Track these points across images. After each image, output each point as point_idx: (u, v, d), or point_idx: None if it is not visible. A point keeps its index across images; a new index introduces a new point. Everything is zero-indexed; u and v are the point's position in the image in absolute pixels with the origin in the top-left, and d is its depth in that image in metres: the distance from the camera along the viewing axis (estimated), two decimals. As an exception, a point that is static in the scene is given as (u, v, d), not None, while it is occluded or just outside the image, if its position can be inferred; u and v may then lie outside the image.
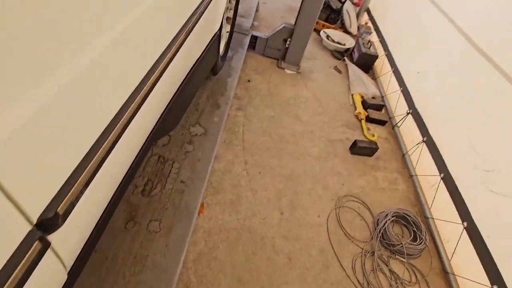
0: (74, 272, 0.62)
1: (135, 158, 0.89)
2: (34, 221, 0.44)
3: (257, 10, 3.27)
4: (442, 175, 1.70)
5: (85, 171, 0.54)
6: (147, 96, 0.74)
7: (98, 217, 0.73)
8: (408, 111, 2.17)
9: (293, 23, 2.47)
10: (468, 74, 1.73)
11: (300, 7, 2.33)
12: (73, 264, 0.61)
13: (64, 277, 0.58)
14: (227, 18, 2.06)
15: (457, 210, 1.52)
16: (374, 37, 3.16)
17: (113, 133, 0.61)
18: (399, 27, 2.71)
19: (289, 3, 3.97)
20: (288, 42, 2.55)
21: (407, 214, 1.69)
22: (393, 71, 2.56)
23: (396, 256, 1.56)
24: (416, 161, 1.98)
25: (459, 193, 1.54)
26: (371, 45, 2.91)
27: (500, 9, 1.62)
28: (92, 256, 1.05)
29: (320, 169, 1.91)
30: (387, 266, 1.52)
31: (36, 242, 0.44)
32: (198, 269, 1.30)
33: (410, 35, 2.48)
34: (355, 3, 3.56)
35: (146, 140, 0.91)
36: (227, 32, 2.11)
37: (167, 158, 1.43)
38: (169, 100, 1.01)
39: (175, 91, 1.05)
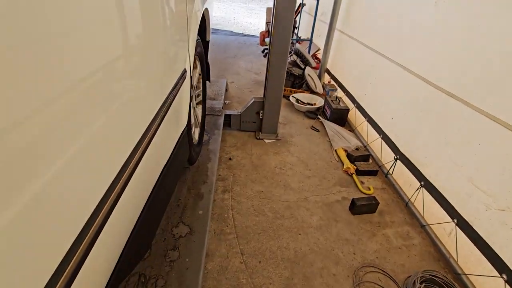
0: None
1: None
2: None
3: (226, 90, 3.46)
4: (455, 220, 1.56)
5: None
6: (104, 226, 0.62)
7: None
8: (396, 157, 2.12)
9: (262, 95, 2.57)
10: (439, 113, 1.75)
11: (266, 79, 2.45)
12: None
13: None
14: (197, 104, 2.10)
15: (489, 260, 1.33)
16: (340, 93, 3.34)
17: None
18: (360, 81, 2.89)
19: (254, 77, 4.28)
20: (261, 114, 2.61)
21: (435, 276, 1.47)
22: (368, 120, 2.61)
23: (443, 334, 1.29)
24: (421, 208, 1.84)
25: (483, 240, 1.38)
26: (339, 100, 3.04)
27: (448, 46, 1.74)
28: None
29: (325, 240, 1.72)
30: None
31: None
32: None
33: (373, 86, 2.62)
34: (314, 67, 3.87)
35: (110, 279, 0.74)
36: (199, 120, 2.13)
37: (148, 276, 1.22)
38: (136, 219, 0.88)
39: (141, 207, 0.92)
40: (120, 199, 0.68)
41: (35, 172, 0.44)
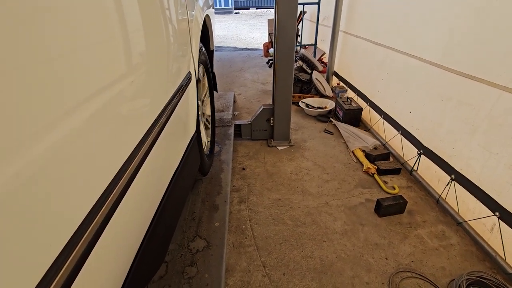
0: None
1: None
2: None
3: (234, 102, 3.44)
4: (497, 213, 1.40)
5: None
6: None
7: None
8: (419, 152, 1.99)
9: (271, 103, 2.52)
10: (462, 100, 1.63)
11: (273, 86, 2.40)
12: None
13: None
14: (204, 115, 2.06)
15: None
16: (350, 93, 3.25)
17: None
18: (370, 78, 2.80)
19: (261, 87, 4.26)
20: (272, 121, 2.55)
21: (482, 277, 1.31)
22: (383, 118, 2.50)
23: None
24: (455, 203, 1.69)
25: (534, 232, 1.22)
26: (351, 101, 2.95)
27: (463, 22, 1.65)
28: None
29: (353, 246, 1.59)
30: None
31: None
32: None
33: (385, 82, 2.52)
34: (321, 71, 3.81)
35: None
36: (209, 128, 2.09)
37: (166, 296, 1.13)
38: (145, 231, 0.81)
39: (151, 217, 0.85)
40: (121, 207, 0.61)
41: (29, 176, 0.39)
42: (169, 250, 1.33)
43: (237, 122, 2.66)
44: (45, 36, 0.44)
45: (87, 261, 0.50)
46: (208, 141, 1.99)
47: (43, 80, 0.43)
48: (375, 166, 2.18)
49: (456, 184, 1.67)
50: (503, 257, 1.38)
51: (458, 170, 1.66)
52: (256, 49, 7.32)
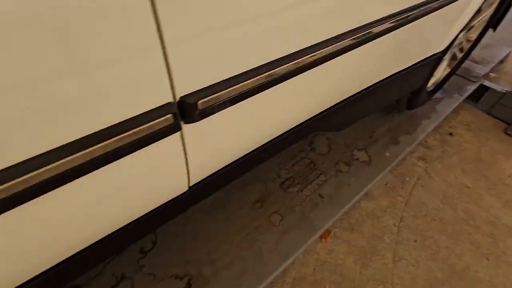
0: (195, 192, 0.67)
1: (290, 130, 0.86)
2: (177, 97, 0.48)
3: (502, 61, 2.57)
4: None
5: (245, 83, 0.54)
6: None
7: (234, 158, 0.75)
8: None
9: None
10: None
11: None
12: (196, 183, 0.67)
13: (184, 185, 0.63)
14: (456, 52, 1.71)
15: None
16: None
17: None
18: None
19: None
20: (539, 105, 1.81)
21: None
22: None
23: None
24: None
25: None
26: None
27: None
28: (219, 212, 1.17)
29: None
30: None
31: (170, 115, 0.47)
32: (294, 290, 1.14)
33: None
34: None
35: (308, 120, 0.87)
36: (447, 69, 1.76)
37: (317, 167, 1.36)
38: (349, 92, 0.93)
39: (361, 85, 0.95)
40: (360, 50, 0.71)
41: None
42: (336, 141, 1.49)
43: (487, 83, 2.06)
44: None
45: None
46: (439, 80, 1.72)
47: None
48: None
49: None
50: None
51: None
52: None
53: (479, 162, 1.75)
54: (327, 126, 1.05)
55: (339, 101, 0.94)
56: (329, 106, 0.92)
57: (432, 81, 1.58)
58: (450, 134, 1.93)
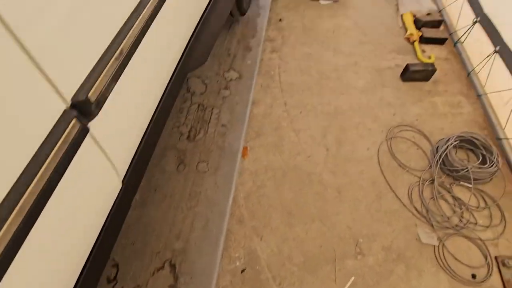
0: (130, 183, 0.69)
1: (169, 83, 0.89)
2: (69, 101, 0.48)
3: None
4: (521, 87, 1.42)
5: (113, 58, 0.56)
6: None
7: (143, 129, 0.77)
8: (475, 20, 1.80)
9: None
10: None
11: None
12: (126, 172, 0.68)
13: (117, 182, 0.64)
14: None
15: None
16: None
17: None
18: None
19: None
20: (320, -34, 2.25)
21: (474, 137, 1.49)
22: (454, -25, 2.10)
23: (461, 182, 1.42)
24: (485, 78, 1.68)
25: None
26: (424, -51, 2.39)
27: None
28: (153, 195, 1.18)
29: (368, 101, 1.76)
30: (450, 193, 1.40)
31: (74, 121, 0.47)
32: (249, 206, 1.37)
33: None
34: None
35: (177, 67, 0.91)
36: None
37: (206, 105, 1.45)
38: (193, 28, 0.98)
39: (197, 19, 1.01)
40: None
41: None
42: (208, 76, 1.58)
43: (282, -36, 2.37)
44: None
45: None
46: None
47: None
48: (419, 33, 2.05)
49: (497, 58, 1.60)
50: (503, 126, 1.51)
51: (506, 41, 1.55)
52: None
53: (307, 31, 2.17)
54: (193, 62, 1.10)
55: (188, 40, 0.99)
56: (184, 47, 0.96)
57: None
58: (280, 20, 2.26)
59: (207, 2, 1.11)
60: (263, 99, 1.75)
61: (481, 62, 1.71)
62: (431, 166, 1.48)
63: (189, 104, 1.46)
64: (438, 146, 1.52)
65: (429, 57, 1.96)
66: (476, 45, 1.80)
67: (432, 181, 1.43)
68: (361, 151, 1.56)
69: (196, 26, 1.02)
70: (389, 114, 1.70)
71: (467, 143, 1.51)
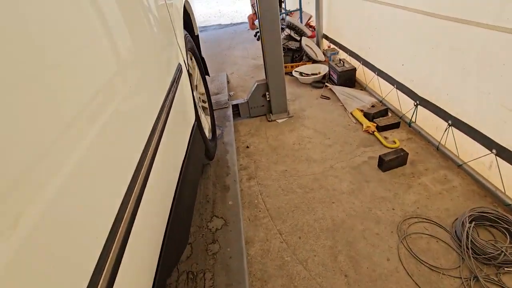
0: None
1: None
2: None
3: (228, 82, 3.43)
4: (494, 151, 1.46)
5: None
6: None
7: None
8: (416, 103, 2.02)
9: (265, 77, 2.52)
10: (451, 45, 1.62)
11: (264, 61, 2.40)
12: None
13: None
14: (203, 102, 2.09)
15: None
16: (343, 55, 3.21)
17: None
18: (360, 36, 2.75)
19: (252, 63, 4.21)
20: (267, 95, 2.57)
21: (484, 212, 1.39)
22: (378, 74, 2.49)
23: (505, 268, 1.23)
24: (454, 148, 1.74)
25: (529, 163, 1.28)
26: (343, 62, 2.92)
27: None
28: None
29: (361, 203, 1.68)
30: (502, 287, 1.18)
31: None
32: None
33: (375, 38, 2.48)
34: (310, 36, 3.73)
35: (156, 274, 0.76)
36: (208, 115, 2.13)
37: (196, 271, 1.25)
38: (167, 217, 0.89)
39: (169, 205, 0.94)
40: (142, 199, 0.69)
41: (48, 180, 0.45)
42: (191, 233, 1.44)
43: (234, 102, 2.68)
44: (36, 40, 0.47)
45: (125, 252, 0.58)
46: (209, 126, 2.04)
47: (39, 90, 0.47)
48: (374, 124, 2.22)
49: (454, 129, 1.71)
50: (502, 190, 1.46)
51: (454, 115, 1.69)
52: (241, 23, 7.09)
53: (275, 150, 2.27)
54: (175, 254, 0.97)
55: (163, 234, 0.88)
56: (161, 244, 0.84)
57: (207, 131, 1.84)
58: (247, 147, 2.37)
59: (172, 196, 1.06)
60: (256, 235, 1.59)
61: (442, 137, 1.81)
62: (463, 258, 1.30)
63: (177, 277, 1.24)
64: (456, 231, 1.39)
65: (394, 142, 2.06)
66: (429, 122, 1.95)
67: (476, 278, 1.22)
68: (382, 264, 1.36)
69: (170, 213, 0.94)
70: (388, 210, 1.60)
71: (482, 220, 1.40)
